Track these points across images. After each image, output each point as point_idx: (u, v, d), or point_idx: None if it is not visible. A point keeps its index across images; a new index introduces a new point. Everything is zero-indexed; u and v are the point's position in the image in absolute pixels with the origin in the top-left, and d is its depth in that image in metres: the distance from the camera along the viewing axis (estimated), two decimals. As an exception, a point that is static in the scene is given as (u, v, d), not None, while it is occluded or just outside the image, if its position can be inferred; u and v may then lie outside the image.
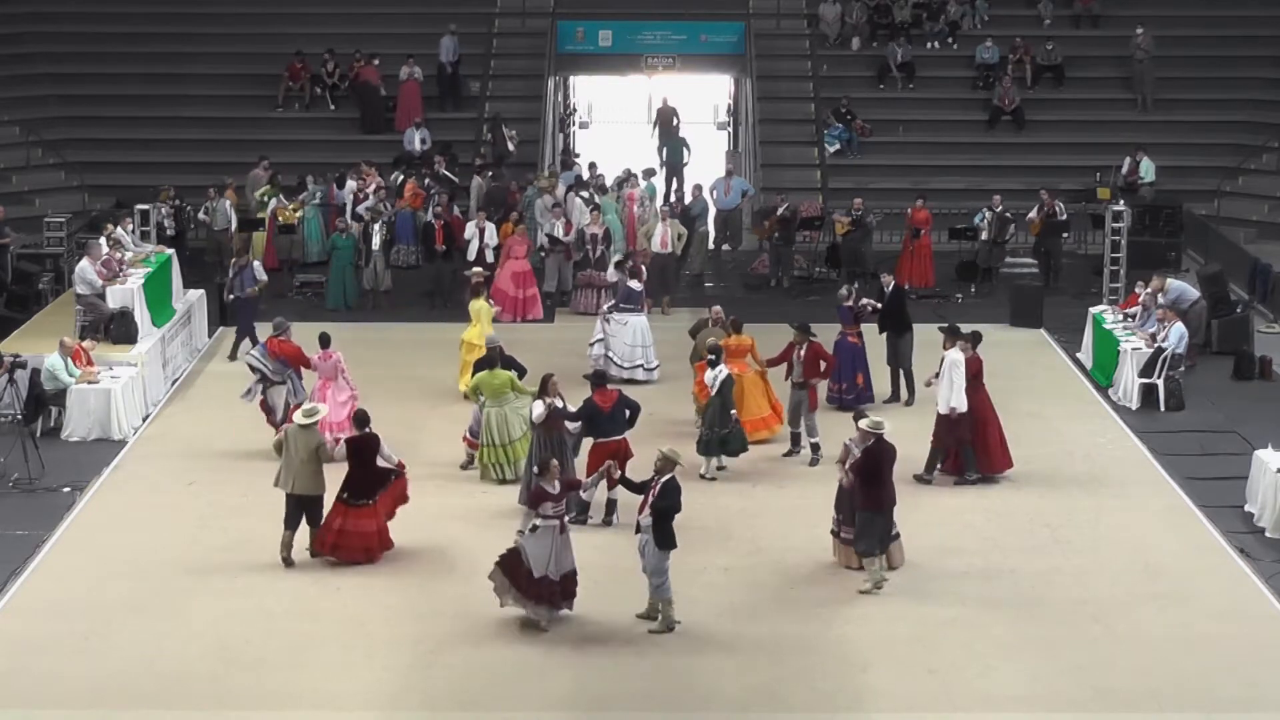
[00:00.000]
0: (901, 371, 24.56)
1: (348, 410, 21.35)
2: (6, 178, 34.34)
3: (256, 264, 26.86)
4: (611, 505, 20.00)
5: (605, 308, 26.27)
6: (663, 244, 29.25)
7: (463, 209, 32.08)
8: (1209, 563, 19.20)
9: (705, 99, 47.21)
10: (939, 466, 21.55)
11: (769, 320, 26.30)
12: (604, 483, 19.21)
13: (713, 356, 21.82)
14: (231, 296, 26.73)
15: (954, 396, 21.24)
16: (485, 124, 36.49)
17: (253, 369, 22.63)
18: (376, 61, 37.03)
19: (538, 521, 17.25)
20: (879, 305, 24.44)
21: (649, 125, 42.59)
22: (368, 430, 19.04)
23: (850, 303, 24.26)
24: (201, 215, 31.12)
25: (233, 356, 26.08)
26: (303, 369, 22.45)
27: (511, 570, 17.22)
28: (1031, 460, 22.30)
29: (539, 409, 19.97)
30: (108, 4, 39.32)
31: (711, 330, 23.42)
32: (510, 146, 35.90)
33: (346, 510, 18.85)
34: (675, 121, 41.26)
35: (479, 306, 24.60)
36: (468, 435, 21.79)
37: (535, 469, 17.61)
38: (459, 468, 21.70)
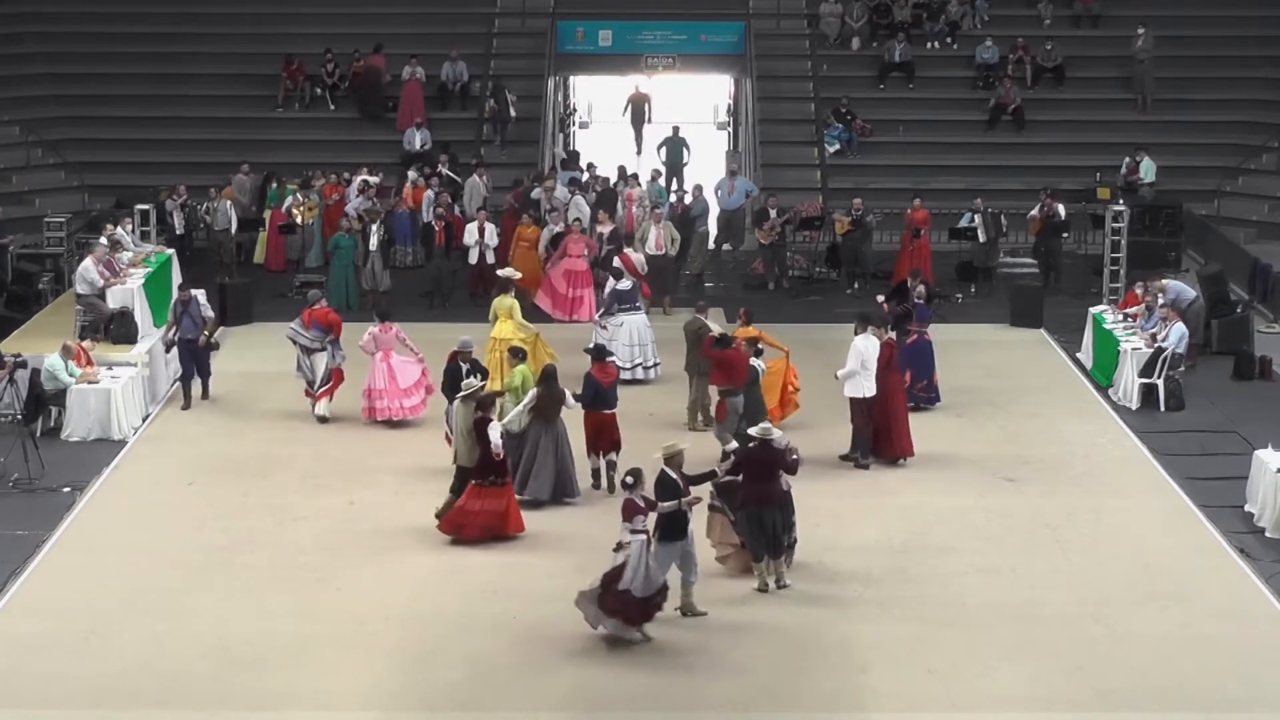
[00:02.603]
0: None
1: (417, 378, 23.20)
2: (6, 178, 34.36)
3: (201, 297, 24.88)
4: (598, 474, 20.93)
5: (597, 315, 26.25)
6: (657, 246, 29.23)
7: (460, 209, 32.11)
8: (1209, 563, 19.20)
9: (705, 99, 47.25)
10: (870, 450, 21.87)
11: (769, 320, 26.28)
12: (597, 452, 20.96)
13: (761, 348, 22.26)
14: (174, 337, 24.21)
15: (863, 382, 21.64)
16: (487, 88, 36.70)
17: (293, 342, 23.73)
18: (383, 50, 37.12)
19: (626, 538, 17.02)
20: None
21: (624, 115, 43.39)
22: (483, 414, 19.46)
23: (923, 300, 24.28)
24: (203, 215, 31.13)
25: (186, 405, 24.27)
26: (341, 334, 23.76)
27: (606, 586, 17.01)
28: (1031, 460, 22.32)
29: (571, 400, 20.68)
30: (108, 4, 39.34)
31: (703, 319, 23.41)
32: (512, 111, 36.15)
33: (472, 490, 19.33)
34: (647, 108, 41.70)
35: (510, 304, 24.62)
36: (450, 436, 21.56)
37: (628, 479, 17.33)
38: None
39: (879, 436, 21.99)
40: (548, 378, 20.63)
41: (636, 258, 27.74)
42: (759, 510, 18.14)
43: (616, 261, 26.78)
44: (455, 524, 19.38)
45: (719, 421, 21.88)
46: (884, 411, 21.91)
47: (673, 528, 17.23)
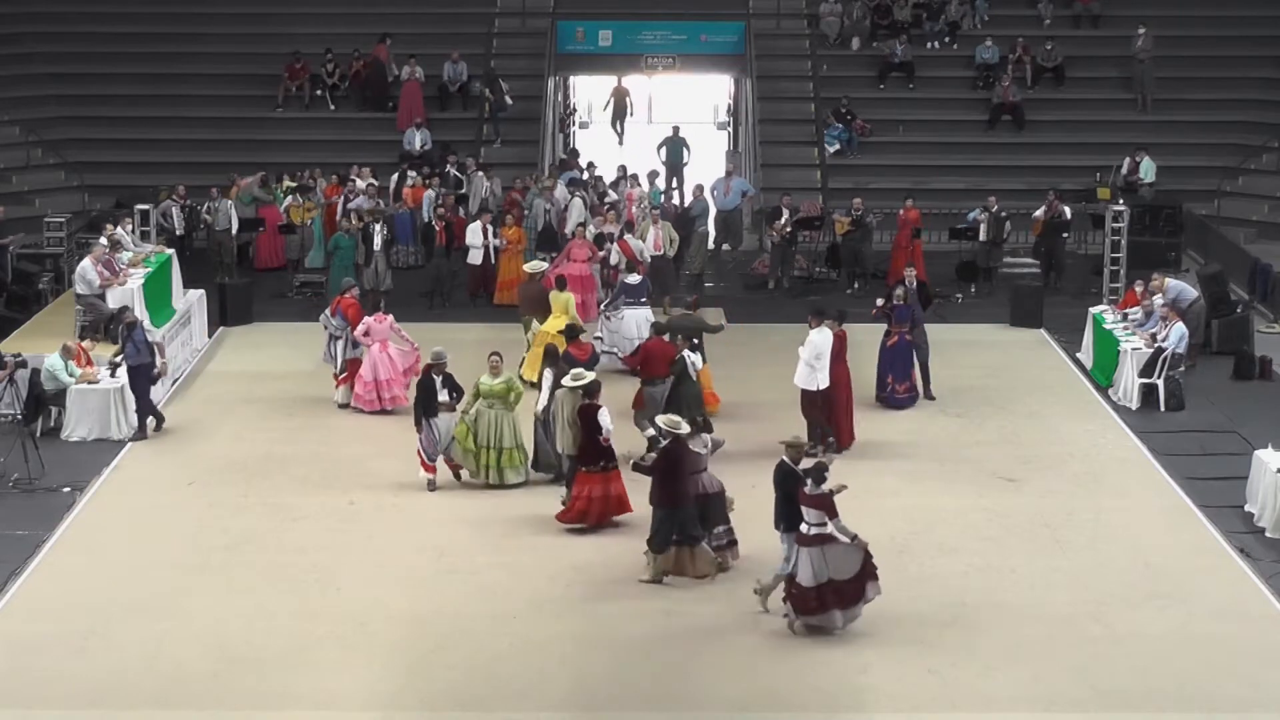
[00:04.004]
0: (922, 367, 24.67)
1: (407, 366, 23.77)
2: (6, 178, 34.35)
3: (147, 324, 23.77)
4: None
5: (602, 305, 26.42)
6: (656, 246, 29.26)
7: (465, 211, 32.12)
8: (1209, 563, 19.20)
9: (705, 99, 47.27)
10: (822, 440, 22.16)
11: (770, 320, 26.29)
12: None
13: (696, 341, 22.55)
14: (120, 362, 23.03)
15: (816, 374, 21.97)
16: (480, 80, 36.90)
17: (324, 327, 24.52)
18: (388, 41, 37.15)
19: (833, 530, 17.01)
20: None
21: (605, 110, 44.37)
22: (591, 400, 19.78)
23: (904, 301, 24.36)
24: (204, 214, 31.10)
25: (140, 436, 22.85)
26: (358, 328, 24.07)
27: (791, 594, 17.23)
28: (1031, 460, 22.32)
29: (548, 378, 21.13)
30: (108, 4, 39.34)
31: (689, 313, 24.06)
32: (508, 99, 36.39)
33: (582, 476, 19.71)
34: (628, 103, 43.12)
35: (566, 299, 25.13)
36: (422, 454, 21.13)
37: (825, 474, 17.24)
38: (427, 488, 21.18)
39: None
40: (553, 356, 21.16)
41: (635, 244, 28.17)
42: (671, 511, 18.23)
43: (617, 254, 27.21)
44: (580, 512, 19.77)
45: (638, 410, 22.16)
46: (830, 402, 22.26)
47: (780, 516, 17.54)
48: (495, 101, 36.46)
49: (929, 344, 24.70)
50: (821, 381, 22.00)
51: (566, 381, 20.25)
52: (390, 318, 24.00)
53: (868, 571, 17.08)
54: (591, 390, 19.89)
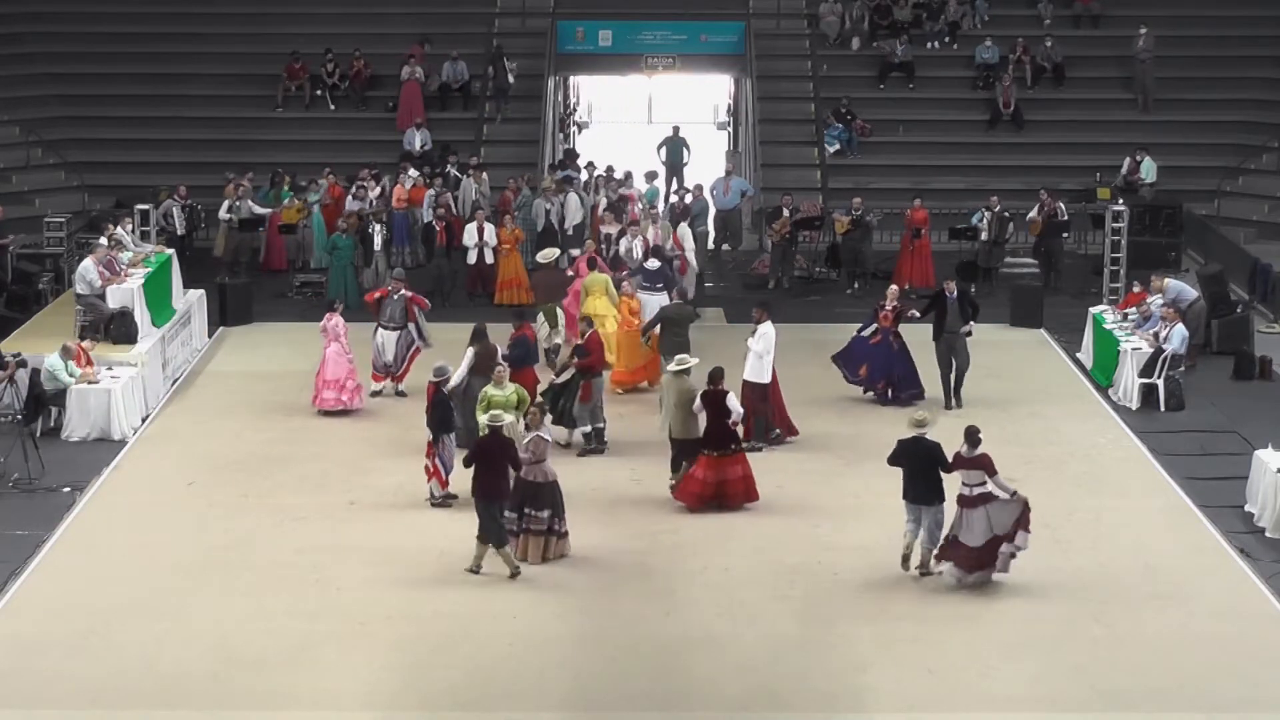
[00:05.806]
0: (954, 375, 24.62)
1: (342, 375, 23.72)
2: (6, 178, 34.34)
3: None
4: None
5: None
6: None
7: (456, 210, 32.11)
8: (1209, 563, 19.21)
9: (705, 99, 47.29)
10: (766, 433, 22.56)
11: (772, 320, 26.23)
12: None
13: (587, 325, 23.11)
14: None
15: (765, 366, 22.41)
16: (488, 73, 36.96)
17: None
18: (427, 46, 37.15)
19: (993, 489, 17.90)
20: (918, 314, 24.88)
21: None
22: (718, 386, 20.23)
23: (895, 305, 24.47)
24: (223, 214, 30.99)
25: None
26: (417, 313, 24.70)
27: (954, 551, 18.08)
28: (1031, 460, 22.31)
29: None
30: (108, 4, 39.32)
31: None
32: (510, 79, 36.53)
33: (705, 460, 20.20)
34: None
35: (604, 280, 25.47)
36: (440, 470, 20.66)
37: (979, 436, 18.07)
38: (432, 504, 20.76)
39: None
40: (480, 336, 21.67)
41: (684, 234, 28.82)
42: (488, 503, 18.36)
43: (671, 244, 27.90)
44: (691, 493, 20.22)
45: (582, 403, 22.38)
46: (775, 395, 22.71)
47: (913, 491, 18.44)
48: (497, 79, 36.39)
49: (966, 356, 24.60)
50: (767, 375, 22.38)
51: (671, 366, 20.80)
52: (338, 319, 23.88)
53: (1023, 521, 17.83)
54: (715, 376, 20.29)
